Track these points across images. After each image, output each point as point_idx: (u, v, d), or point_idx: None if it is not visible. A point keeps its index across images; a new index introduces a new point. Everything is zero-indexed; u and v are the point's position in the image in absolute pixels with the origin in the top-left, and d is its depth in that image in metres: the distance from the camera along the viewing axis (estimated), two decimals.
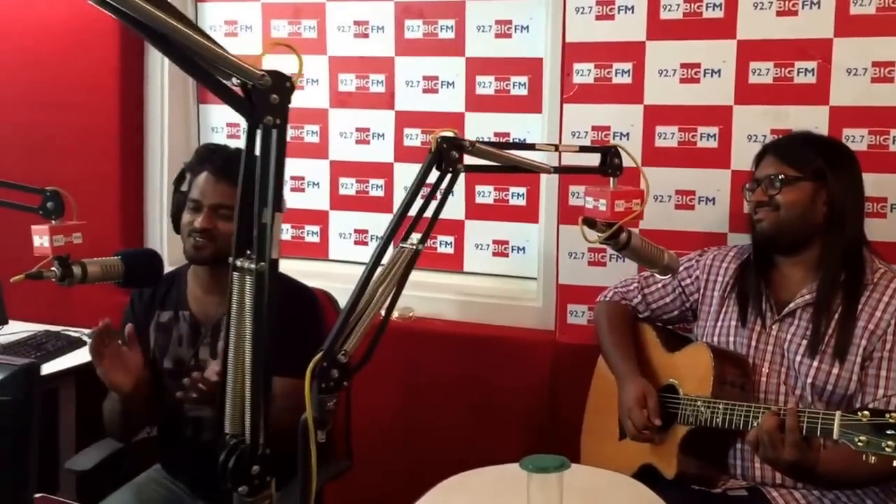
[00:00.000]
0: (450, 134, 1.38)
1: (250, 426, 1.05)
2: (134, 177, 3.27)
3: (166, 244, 3.27)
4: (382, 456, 2.88)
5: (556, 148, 1.65)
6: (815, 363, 2.03)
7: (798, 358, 2.06)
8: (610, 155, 1.68)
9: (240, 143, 3.25)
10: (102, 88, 3.19)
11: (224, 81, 1.00)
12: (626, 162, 1.67)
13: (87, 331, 2.99)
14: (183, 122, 3.32)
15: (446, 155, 1.37)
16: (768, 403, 2.07)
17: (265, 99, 1.00)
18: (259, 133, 1.04)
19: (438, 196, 1.38)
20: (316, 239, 3.23)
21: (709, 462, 2.12)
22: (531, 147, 1.63)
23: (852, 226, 2.07)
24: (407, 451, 2.91)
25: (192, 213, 2.21)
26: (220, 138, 3.31)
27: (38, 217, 1.64)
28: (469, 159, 1.43)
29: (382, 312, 1.32)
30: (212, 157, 2.24)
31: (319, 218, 3.22)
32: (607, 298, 2.46)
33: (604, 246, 1.70)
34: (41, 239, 1.60)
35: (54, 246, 1.58)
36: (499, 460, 2.01)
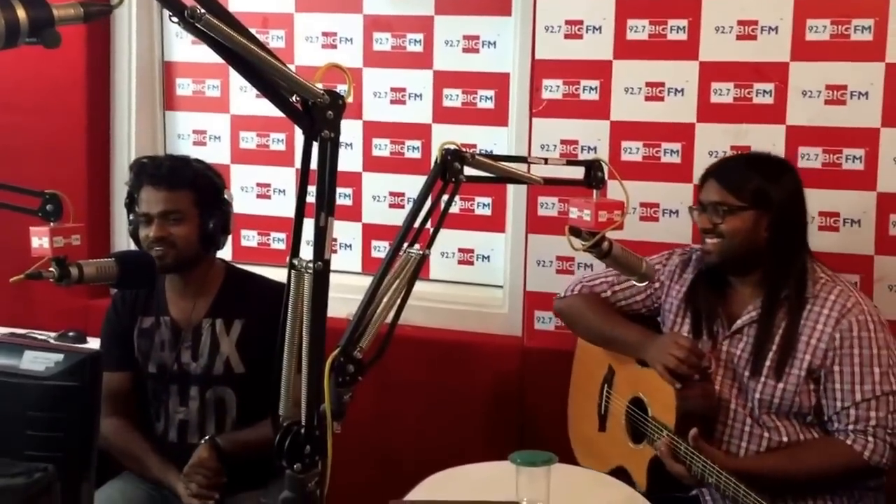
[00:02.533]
0: (453, 146, 1.46)
1: (306, 410, 1.11)
2: (101, 182, 3.26)
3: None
4: (352, 459, 2.91)
5: (546, 161, 1.73)
6: (762, 378, 2.11)
7: (746, 374, 2.15)
8: (594, 168, 1.78)
9: (205, 150, 3.28)
10: (69, 93, 3.18)
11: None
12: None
13: (53, 334, 2.99)
14: (150, 129, 3.31)
15: (450, 166, 1.45)
16: (721, 415, 2.14)
17: (322, 115, 1.08)
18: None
19: (428, 203, 1.46)
20: (281, 246, 3.27)
21: (676, 481, 2.16)
22: (523, 160, 1.72)
23: (795, 245, 2.15)
24: (376, 454, 2.96)
25: (145, 227, 2.28)
26: (185, 145, 3.32)
27: (34, 219, 1.67)
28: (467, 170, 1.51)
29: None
30: (147, 169, 2.32)
31: (286, 225, 3.25)
32: (575, 292, 2.46)
33: (587, 253, 1.79)
34: (40, 240, 1.63)
35: (54, 247, 1.62)
36: (467, 462, 2.09)
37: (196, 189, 2.31)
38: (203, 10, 1.01)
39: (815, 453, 2.09)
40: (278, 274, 3.14)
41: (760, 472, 2.04)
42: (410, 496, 1.89)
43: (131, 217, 2.34)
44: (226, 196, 2.39)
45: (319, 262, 1.14)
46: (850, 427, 2.04)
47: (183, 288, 2.37)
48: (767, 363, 2.11)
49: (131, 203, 2.34)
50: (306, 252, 1.20)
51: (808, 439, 2.12)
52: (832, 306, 2.08)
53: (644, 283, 2.25)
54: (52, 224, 1.64)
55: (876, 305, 2.15)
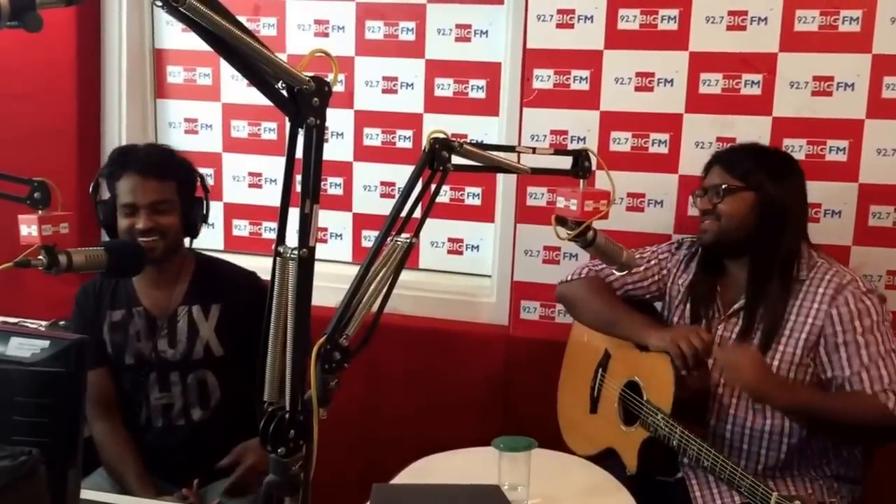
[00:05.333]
0: (441, 135, 1.47)
1: (290, 395, 1.12)
2: (90, 171, 3.22)
3: None
4: (338, 445, 2.93)
5: (534, 151, 1.74)
6: None
7: None
8: (581, 158, 1.79)
9: (196, 139, 3.28)
10: (59, 80, 3.17)
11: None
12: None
13: (44, 322, 2.99)
14: (140, 117, 3.31)
15: (438, 154, 1.46)
16: (709, 400, 2.18)
17: (308, 102, 1.09)
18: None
19: (416, 191, 1.46)
20: (273, 235, 3.27)
21: (666, 463, 2.23)
22: (511, 149, 1.73)
23: (791, 232, 2.17)
24: (362, 439, 2.98)
25: (129, 217, 2.25)
26: (177, 133, 3.32)
27: (23, 207, 1.67)
28: (455, 159, 1.52)
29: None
30: (131, 159, 2.29)
31: (277, 214, 3.24)
32: (582, 275, 2.49)
33: (572, 243, 1.80)
34: (29, 228, 1.63)
35: (43, 235, 1.61)
36: (453, 448, 2.11)
37: (180, 179, 2.32)
38: None
39: (845, 395, 2.07)
40: (266, 264, 3.18)
41: (794, 403, 2.05)
42: (395, 481, 1.92)
43: (101, 204, 2.30)
44: (206, 186, 2.40)
45: (304, 250, 1.16)
46: (867, 388, 2.03)
47: (157, 277, 2.35)
48: (753, 338, 2.14)
49: (97, 189, 2.31)
50: (293, 240, 1.21)
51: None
52: (827, 284, 2.12)
53: (652, 265, 2.40)
54: (40, 212, 1.64)
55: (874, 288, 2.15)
